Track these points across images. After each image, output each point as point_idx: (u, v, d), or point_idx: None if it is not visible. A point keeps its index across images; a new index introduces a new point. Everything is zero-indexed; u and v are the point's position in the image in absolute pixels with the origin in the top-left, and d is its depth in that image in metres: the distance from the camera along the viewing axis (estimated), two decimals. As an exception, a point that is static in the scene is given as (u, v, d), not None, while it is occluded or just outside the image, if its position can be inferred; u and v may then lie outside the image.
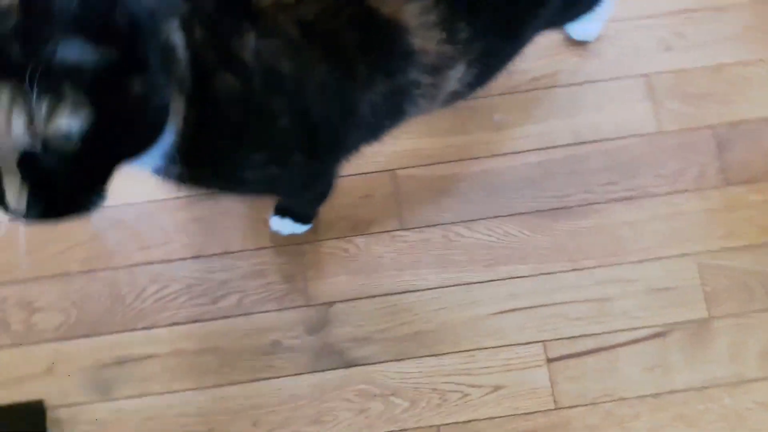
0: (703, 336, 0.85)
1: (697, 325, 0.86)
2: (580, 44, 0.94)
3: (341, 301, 0.84)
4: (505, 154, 0.90)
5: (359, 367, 0.82)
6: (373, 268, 0.85)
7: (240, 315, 0.83)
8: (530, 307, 0.85)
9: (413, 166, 0.89)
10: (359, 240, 0.86)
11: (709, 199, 0.90)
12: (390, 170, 0.89)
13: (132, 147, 0.38)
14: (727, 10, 0.95)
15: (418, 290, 0.85)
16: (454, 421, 0.81)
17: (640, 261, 0.87)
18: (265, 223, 0.85)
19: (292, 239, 0.85)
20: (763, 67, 0.93)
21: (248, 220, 0.86)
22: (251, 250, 0.85)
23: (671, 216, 0.89)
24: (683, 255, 0.88)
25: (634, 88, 0.93)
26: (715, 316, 0.86)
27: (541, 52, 0.93)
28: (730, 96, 0.92)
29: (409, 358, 0.82)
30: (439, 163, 0.90)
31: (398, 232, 0.87)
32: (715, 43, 0.94)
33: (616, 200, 0.89)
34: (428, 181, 0.89)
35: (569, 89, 0.92)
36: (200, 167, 0.44)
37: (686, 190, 0.90)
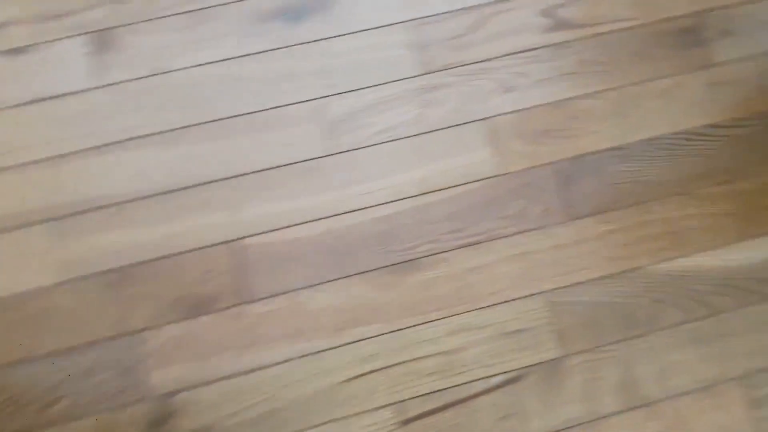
0: (557, 377, 0.90)
1: (550, 366, 0.91)
2: (421, 94, 0.99)
3: (185, 389, 0.88)
4: (351, 212, 0.95)
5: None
6: (217, 348, 0.89)
7: (74, 420, 0.85)
8: (383, 368, 0.90)
9: (256, 234, 0.93)
10: (203, 319, 0.90)
11: (556, 235, 0.95)
12: (231, 241, 0.92)
13: None
14: (567, 46, 1.01)
15: (266, 366, 0.89)
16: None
17: (491, 306, 0.93)
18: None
19: (129, 328, 0.88)
20: (602, 99, 0.99)
21: (74, 314, 0.89)
22: (83, 345, 0.88)
23: (519, 257, 0.94)
24: (533, 295, 0.93)
25: (476, 134, 0.99)
26: (567, 355, 0.91)
27: (382, 105, 0.98)
28: (571, 130, 0.99)
29: (263, 437, 0.86)
30: (283, 228, 0.94)
31: (243, 306, 0.91)
32: (555, 80, 1.00)
33: (462, 247, 0.94)
34: (273, 248, 0.93)
35: (413, 140, 0.98)
36: None
37: (532, 229, 0.95)
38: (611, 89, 1.00)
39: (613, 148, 0.98)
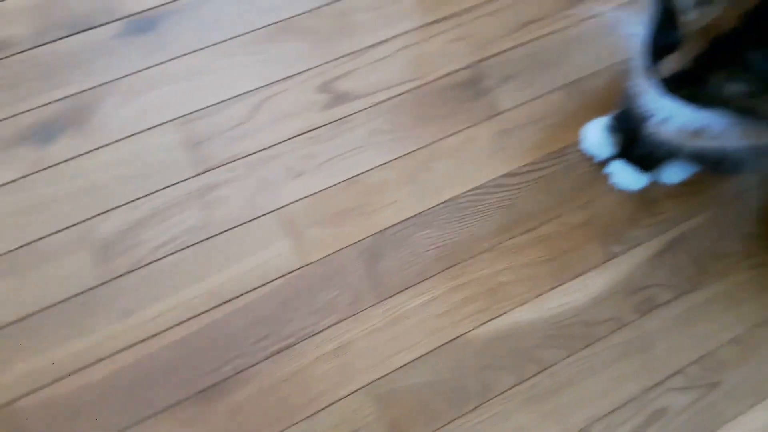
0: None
1: (384, 467, 0.83)
2: (203, 195, 0.92)
3: None
4: (139, 342, 0.84)
5: None
6: None
7: None
8: None
9: (28, 394, 0.80)
10: None
11: (370, 320, 0.89)
12: (2, 406, 0.79)
13: None
14: (350, 120, 0.98)
15: None
16: None
17: (312, 415, 0.84)
18: None
19: None
20: (394, 169, 0.98)
21: None
22: None
23: (334, 353, 0.87)
24: (355, 392, 0.86)
25: (271, 227, 0.92)
26: (401, 450, 0.84)
27: (159, 216, 0.89)
28: (369, 206, 0.94)
29: None
30: (61, 379, 0.81)
31: (18, 486, 0.77)
32: (343, 157, 0.97)
33: (271, 356, 0.86)
34: (52, 406, 0.80)
35: (200, 248, 0.89)
36: None
37: (344, 319, 0.89)
38: (402, 156, 0.98)
39: (413, 216, 0.95)
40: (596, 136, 0.97)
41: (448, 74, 1.03)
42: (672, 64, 0.54)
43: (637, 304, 0.95)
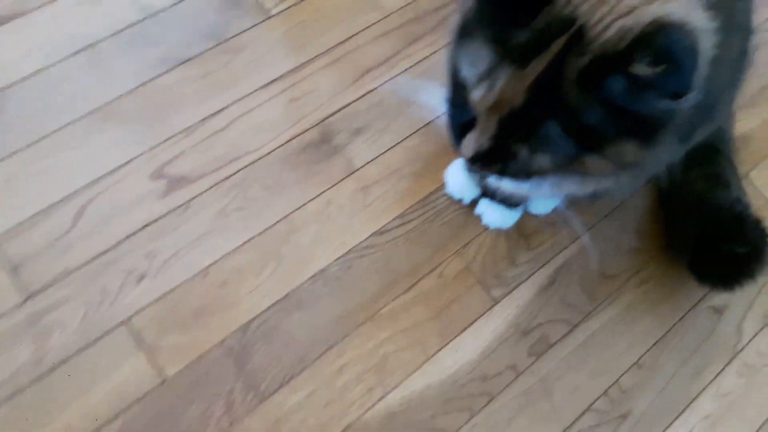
0: None
1: None
2: (32, 324, 0.84)
3: None
4: None
5: None
6: None
7: None
8: None
9: None
10: None
11: (249, 428, 0.79)
12: None
13: None
14: (191, 205, 0.93)
15: None
16: None
17: None
18: None
19: None
20: (249, 251, 0.92)
21: None
22: None
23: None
24: None
25: (119, 344, 0.82)
26: None
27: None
28: (227, 298, 0.85)
29: None
30: None
31: None
32: (190, 248, 0.90)
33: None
34: None
35: (37, 387, 0.78)
36: None
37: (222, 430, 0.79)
38: (258, 235, 0.90)
39: (280, 300, 0.87)
40: (459, 178, 0.94)
41: (294, 137, 0.97)
42: (472, 143, 0.52)
43: (532, 347, 0.91)
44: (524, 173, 0.53)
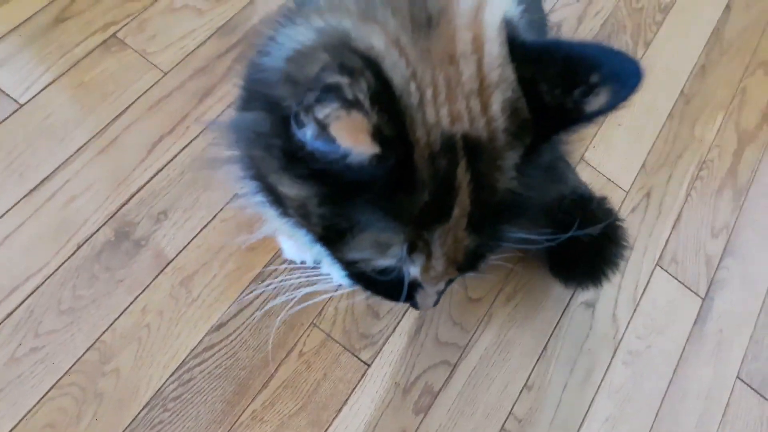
0: None
1: None
2: None
3: None
4: None
5: None
6: None
7: None
8: None
9: None
10: None
11: None
12: None
13: None
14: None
15: None
16: None
17: None
18: None
19: None
20: (59, 400, 0.86)
21: None
22: None
23: None
24: None
25: None
26: None
27: None
28: None
29: None
30: None
31: None
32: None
33: None
34: None
35: None
36: None
37: None
38: (64, 376, 0.84)
39: (112, 444, 0.80)
40: (294, 241, 0.94)
41: (83, 243, 0.92)
42: (430, 297, 0.57)
43: (416, 403, 0.94)
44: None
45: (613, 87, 0.43)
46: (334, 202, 0.47)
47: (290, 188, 0.48)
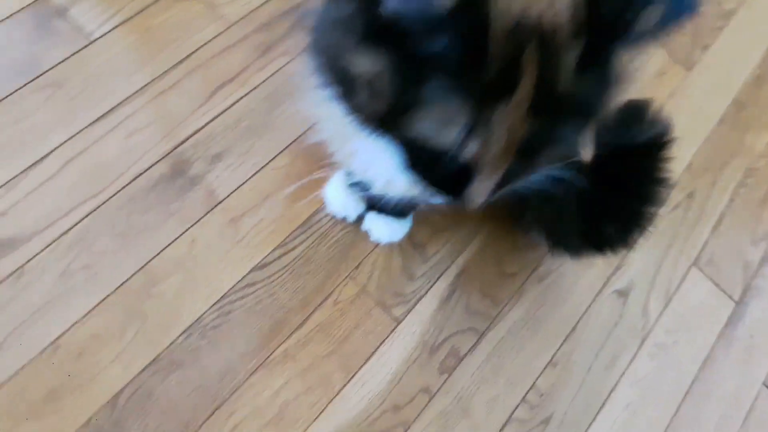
0: None
1: None
2: None
3: None
4: None
5: None
6: None
7: None
8: None
9: None
10: None
11: None
12: None
13: None
14: (28, 272, 0.95)
15: None
16: None
17: None
18: None
19: None
20: (101, 313, 0.94)
21: None
22: None
23: None
24: None
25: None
26: None
27: None
28: (88, 372, 0.86)
29: None
30: None
31: None
32: (34, 320, 0.93)
33: None
34: None
35: None
36: None
37: None
38: (111, 294, 0.93)
39: (150, 364, 0.90)
40: (339, 195, 1.01)
41: (142, 173, 1.00)
42: (483, 190, 0.58)
43: (442, 363, 0.99)
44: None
45: (666, 9, 0.48)
46: (405, 75, 0.51)
47: (364, 65, 0.53)
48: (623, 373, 1.07)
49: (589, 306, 1.09)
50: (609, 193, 0.90)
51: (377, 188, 0.75)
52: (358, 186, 0.90)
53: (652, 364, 1.08)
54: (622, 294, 1.12)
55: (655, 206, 0.91)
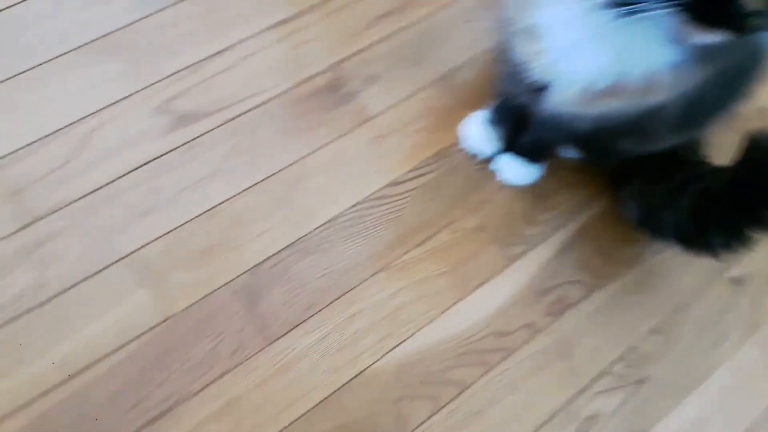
0: None
1: None
2: (31, 252, 0.97)
3: None
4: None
5: None
6: None
7: None
8: None
9: None
10: None
11: (258, 368, 0.95)
12: None
13: None
14: (198, 144, 1.08)
15: None
16: None
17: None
18: None
19: None
20: (259, 193, 1.07)
21: None
22: None
23: (220, 413, 0.91)
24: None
25: (122, 278, 0.95)
26: None
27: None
28: (237, 239, 1.00)
29: None
30: None
31: None
32: (196, 186, 1.06)
33: (146, 425, 0.87)
34: None
35: (41, 313, 0.91)
36: None
37: (229, 370, 0.93)
38: (267, 179, 1.05)
39: (291, 245, 1.02)
40: (477, 131, 1.10)
41: (305, 81, 1.13)
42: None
43: (549, 306, 1.07)
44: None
45: None
46: None
47: None
48: (726, 359, 1.10)
49: (702, 286, 1.13)
50: (728, 204, 0.88)
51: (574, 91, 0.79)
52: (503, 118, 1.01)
53: (757, 354, 1.11)
54: (738, 282, 1.15)
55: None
